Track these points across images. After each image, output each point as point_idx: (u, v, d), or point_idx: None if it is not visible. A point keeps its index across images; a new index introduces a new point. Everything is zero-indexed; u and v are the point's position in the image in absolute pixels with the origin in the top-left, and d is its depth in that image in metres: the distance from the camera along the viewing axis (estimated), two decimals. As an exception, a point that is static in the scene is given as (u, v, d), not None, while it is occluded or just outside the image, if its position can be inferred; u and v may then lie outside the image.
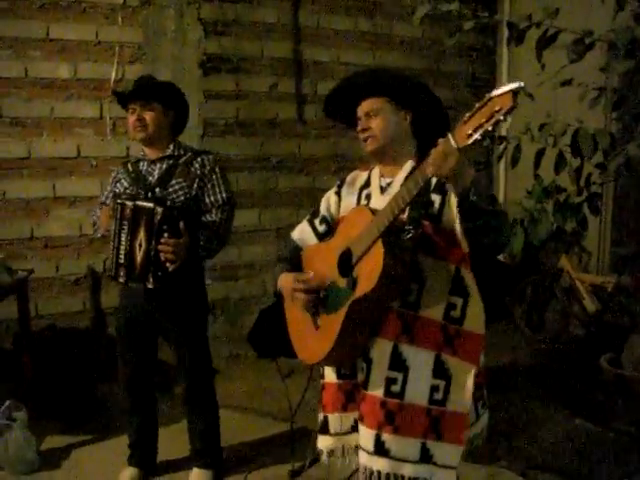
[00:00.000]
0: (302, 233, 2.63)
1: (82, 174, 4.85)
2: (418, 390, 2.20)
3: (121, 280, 3.14)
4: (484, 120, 1.80)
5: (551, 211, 3.72)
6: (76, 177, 4.84)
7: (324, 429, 2.47)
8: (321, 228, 2.57)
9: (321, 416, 2.48)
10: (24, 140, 4.71)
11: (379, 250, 2.09)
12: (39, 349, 4.24)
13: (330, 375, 2.43)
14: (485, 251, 2.13)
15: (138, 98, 3.16)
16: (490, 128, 1.80)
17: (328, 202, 2.57)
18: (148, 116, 3.15)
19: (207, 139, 5.16)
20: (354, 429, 2.37)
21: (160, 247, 2.98)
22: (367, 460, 2.24)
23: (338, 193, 2.54)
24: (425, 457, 2.19)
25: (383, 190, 2.34)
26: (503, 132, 5.16)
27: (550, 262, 5.56)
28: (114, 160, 4.86)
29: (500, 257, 2.10)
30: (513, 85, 1.76)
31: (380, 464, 2.20)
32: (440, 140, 1.91)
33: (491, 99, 1.80)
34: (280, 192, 5.48)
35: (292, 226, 5.38)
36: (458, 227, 2.11)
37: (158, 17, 4.97)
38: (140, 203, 3.03)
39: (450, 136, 1.88)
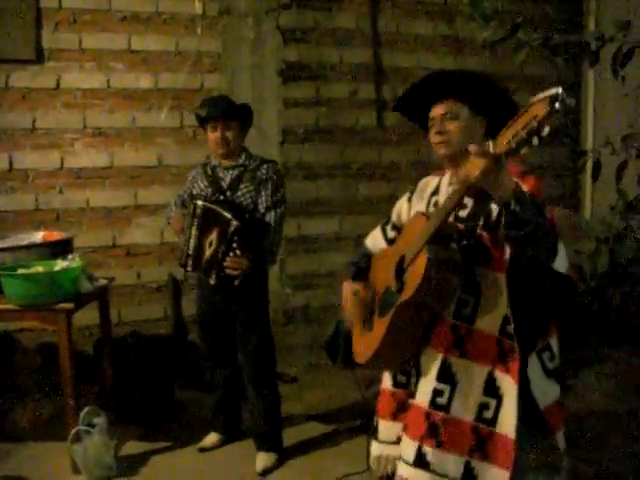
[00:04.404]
0: (374, 239, 2.66)
1: (163, 183, 4.88)
2: (465, 405, 2.10)
3: (188, 269, 3.59)
4: (520, 128, 1.68)
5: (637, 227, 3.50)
6: (157, 186, 4.87)
7: (375, 435, 2.44)
8: (391, 234, 2.58)
9: (375, 421, 2.45)
10: (107, 150, 4.77)
11: (423, 257, 2.05)
12: (120, 355, 4.25)
13: (386, 382, 2.41)
14: (529, 262, 2.00)
15: (220, 118, 3.49)
16: (525, 136, 1.66)
17: (400, 209, 2.56)
18: (229, 134, 3.51)
19: (286, 147, 5.12)
20: (400, 441, 2.27)
21: (226, 264, 3.33)
22: (405, 471, 2.14)
23: (410, 199, 2.50)
24: (469, 476, 2.07)
25: None
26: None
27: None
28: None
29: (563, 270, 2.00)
30: (550, 91, 1.62)
31: (419, 477, 2.10)
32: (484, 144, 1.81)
33: (531, 106, 1.67)
34: (360, 200, 5.36)
35: (373, 234, 5.33)
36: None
37: (237, 26, 4.99)
38: (210, 205, 3.41)
39: (491, 141, 1.78)
